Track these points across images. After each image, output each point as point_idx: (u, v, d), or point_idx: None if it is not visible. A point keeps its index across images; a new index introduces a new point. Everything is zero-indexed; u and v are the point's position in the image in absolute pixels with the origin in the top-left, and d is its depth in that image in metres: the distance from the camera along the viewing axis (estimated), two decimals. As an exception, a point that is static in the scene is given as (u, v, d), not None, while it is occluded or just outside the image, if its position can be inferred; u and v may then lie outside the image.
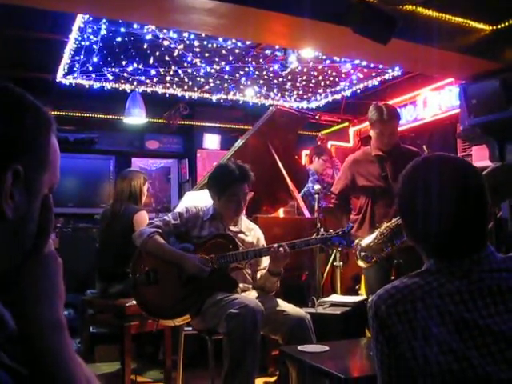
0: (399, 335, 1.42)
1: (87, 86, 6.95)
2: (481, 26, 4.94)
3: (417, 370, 1.39)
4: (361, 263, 3.95)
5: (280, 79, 7.31)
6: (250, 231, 3.68)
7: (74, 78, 6.73)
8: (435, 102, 7.38)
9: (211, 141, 9.44)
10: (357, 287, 5.56)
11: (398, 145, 4.22)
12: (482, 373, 1.34)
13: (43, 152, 0.95)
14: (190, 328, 3.67)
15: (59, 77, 6.71)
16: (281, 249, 3.32)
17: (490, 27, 4.97)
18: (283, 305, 3.38)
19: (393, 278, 4.16)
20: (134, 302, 3.63)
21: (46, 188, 0.96)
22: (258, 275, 3.60)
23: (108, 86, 7.04)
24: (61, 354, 0.90)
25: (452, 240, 1.50)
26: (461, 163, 1.58)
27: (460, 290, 1.43)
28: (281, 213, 6.34)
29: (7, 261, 0.91)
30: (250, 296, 3.43)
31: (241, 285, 3.48)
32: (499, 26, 4.96)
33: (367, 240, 3.89)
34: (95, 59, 6.20)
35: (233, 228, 3.61)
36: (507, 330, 1.37)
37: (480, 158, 6.25)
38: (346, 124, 9.23)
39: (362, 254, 3.89)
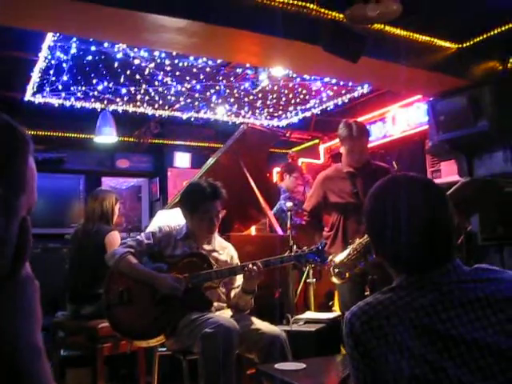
0: (374, 350, 1.44)
1: (57, 105, 6.89)
2: (447, 44, 5.06)
3: None
4: (335, 280, 3.96)
5: (251, 97, 7.36)
6: (223, 249, 3.67)
7: (43, 96, 6.68)
8: (404, 118, 7.50)
9: (182, 159, 9.43)
10: (330, 303, 5.57)
11: (369, 161, 4.25)
12: (458, 383, 1.36)
13: (20, 173, 0.94)
14: (165, 349, 3.64)
15: (28, 95, 6.65)
16: (254, 267, 3.31)
17: (456, 45, 5.10)
18: (258, 323, 3.36)
19: (367, 293, 4.18)
20: (107, 323, 3.59)
21: (24, 210, 0.95)
22: (232, 294, 3.58)
23: (78, 104, 7.00)
24: (39, 379, 0.89)
25: (419, 255, 1.54)
26: (426, 182, 1.65)
27: (432, 302, 1.46)
28: (252, 230, 6.34)
29: (-16, 284, 0.89)
30: (225, 315, 3.41)
31: (215, 304, 3.46)
32: (465, 45, 5.09)
33: (340, 256, 3.90)
34: (65, 78, 6.16)
35: (206, 246, 3.59)
36: (480, 338, 1.40)
37: (449, 173, 6.37)
38: (317, 141, 9.31)
39: (336, 270, 3.90)
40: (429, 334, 1.42)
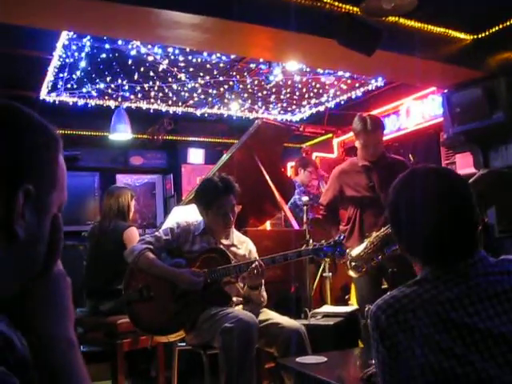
0: (401, 344, 1.44)
1: (71, 103, 6.94)
2: (462, 35, 5.02)
3: (420, 378, 1.40)
4: (352, 273, 3.96)
5: (264, 92, 7.35)
6: (241, 244, 3.68)
7: (57, 95, 6.72)
8: (418, 111, 7.46)
9: (195, 155, 9.45)
10: (346, 297, 5.57)
11: (384, 154, 4.24)
12: (486, 376, 1.36)
13: (52, 171, 0.95)
14: (184, 344, 3.65)
15: (43, 94, 6.69)
16: (257, 264, 3.31)
17: (471, 36, 5.05)
18: (277, 317, 3.38)
19: (384, 286, 4.18)
20: (126, 319, 3.61)
21: (56, 207, 0.96)
22: (242, 292, 3.60)
23: (92, 102, 7.04)
24: (75, 373, 0.90)
25: (445, 247, 1.54)
26: (448, 173, 1.66)
27: (459, 295, 1.45)
28: (267, 225, 6.34)
29: (19, 281, 0.90)
30: (244, 309, 3.42)
31: (234, 298, 3.48)
32: (480, 36, 5.04)
33: (357, 250, 3.90)
34: (79, 76, 6.19)
35: (224, 241, 3.61)
36: (507, 332, 1.40)
37: (464, 165, 6.32)
38: (330, 135, 9.28)
39: (353, 264, 3.90)
40: (456, 328, 1.41)
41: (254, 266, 3.32)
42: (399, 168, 4.20)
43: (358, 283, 4.23)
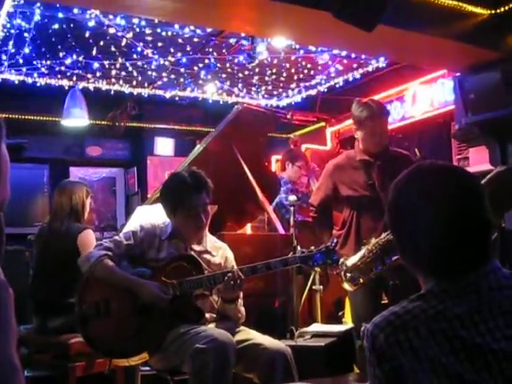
0: (402, 368, 1.44)
1: (17, 82, 6.88)
2: (478, 10, 5.06)
3: None
4: (346, 286, 3.97)
5: (246, 73, 7.36)
6: (217, 250, 3.67)
7: (0, 72, 6.66)
8: (426, 97, 7.50)
9: (164, 146, 9.43)
10: (340, 314, 5.61)
11: (387, 147, 4.27)
12: None
13: None
14: (148, 368, 3.65)
15: (-17, 71, 6.63)
16: (234, 274, 3.32)
17: (489, 11, 5.09)
18: (258, 336, 3.37)
19: (384, 302, 4.19)
20: (79, 338, 3.60)
21: (-5, 205, 0.95)
22: (216, 306, 3.59)
23: (42, 81, 7.00)
24: None
25: (453, 255, 1.55)
26: (458, 171, 1.67)
27: (469, 311, 1.46)
28: (248, 229, 6.35)
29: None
30: (219, 327, 3.42)
31: (207, 315, 3.46)
32: (499, 11, 5.08)
33: (353, 259, 3.91)
34: (27, 50, 6.14)
35: (196, 247, 3.59)
36: None
37: (478, 161, 6.37)
38: (323, 124, 9.31)
39: (348, 275, 3.91)
40: (465, 349, 1.42)
41: (230, 275, 3.32)
42: (403, 163, 4.21)
43: (353, 297, 4.25)
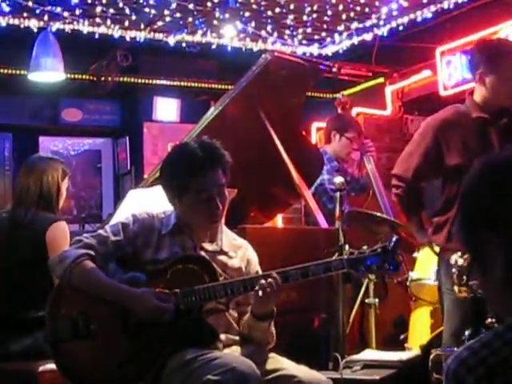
0: None
1: (-31, 23, 6.93)
2: None
3: None
4: (460, 293, 3.84)
5: (277, 10, 7.33)
6: (236, 250, 3.67)
7: None
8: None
9: (166, 109, 9.49)
10: (401, 337, 5.60)
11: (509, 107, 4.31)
12: None
13: None
14: (143, 405, 3.67)
15: None
16: (269, 280, 3.31)
17: None
18: (291, 367, 3.37)
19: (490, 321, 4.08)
20: (52, 365, 3.62)
21: None
22: (241, 325, 3.59)
23: (2, 21, 7.03)
24: None
25: None
26: None
27: None
28: (278, 221, 6.36)
29: None
30: (238, 353, 3.43)
31: (222, 336, 3.47)
32: None
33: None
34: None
35: (208, 246, 3.60)
36: None
37: None
38: (381, 80, 9.29)
39: (464, 277, 3.80)
40: None
41: (262, 282, 3.30)
42: None
43: (451, 310, 4.16)
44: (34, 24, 7.19)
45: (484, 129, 4.19)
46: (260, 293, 3.30)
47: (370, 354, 4.57)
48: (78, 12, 7.06)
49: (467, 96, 4.33)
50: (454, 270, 3.77)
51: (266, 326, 3.48)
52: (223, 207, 3.53)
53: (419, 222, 4.34)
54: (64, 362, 3.42)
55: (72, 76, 8.39)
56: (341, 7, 7.37)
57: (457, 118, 4.30)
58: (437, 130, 4.27)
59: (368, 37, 8.18)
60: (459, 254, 3.79)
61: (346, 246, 4.04)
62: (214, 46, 8.22)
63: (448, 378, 1.48)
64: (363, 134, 7.14)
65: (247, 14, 7.45)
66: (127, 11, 7.14)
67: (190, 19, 7.51)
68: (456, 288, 3.82)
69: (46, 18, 7.13)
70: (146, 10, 7.13)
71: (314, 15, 7.56)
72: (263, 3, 7.15)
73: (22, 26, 7.17)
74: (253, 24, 7.71)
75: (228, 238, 3.71)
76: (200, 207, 3.48)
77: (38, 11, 6.96)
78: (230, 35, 7.94)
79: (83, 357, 3.38)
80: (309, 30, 8.02)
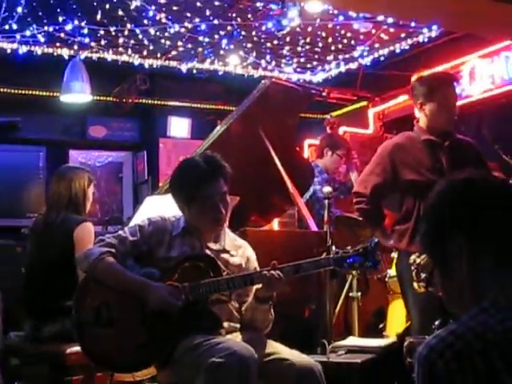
0: None
1: (9, 51, 6.92)
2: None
3: None
4: (419, 288, 3.88)
5: (275, 42, 7.34)
6: (236, 249, 3.67)
7: (-10, 39, 6.72)
8: (486, 73, 7.43)
9: (179, 126, 9.46)
10: (380, 326, 5.60)
11: (455, 127, 4.36)
12: None
13: None
14: (156, 384, 3.67)
15: (-30, 38, 6.69)
16: (277, 272, 3.32)
17: None
18: (285, 351, 3.37)
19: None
20: (78, 348, 3.62)
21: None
22: (244, 307, 3.60)
23: (38, 50, 7.04)
24: None
25: None
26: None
27: None
28: (275, 225, 6.36)
29: None
30: (239, 339, 3.43)
31: (225, 324, 3.46)
32: None
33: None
34: (21, 13, 6.16)
35: (213, 246, 3.59)
36: None
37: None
38: (364, 103, 9.28)
39: (423, 275, 3.83)
40: None
41: (271, 273, 3.31)
42: (470, 151, 4.24)
43: (419, 303, 4.14)
44: (65, 52, 7.20)
45: (432, 149, 4.21)
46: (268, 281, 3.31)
47: (353, 341, 4.56)
48: (103, 42, 7.07)
49: (415, 123, 4.38)
50: (412, 268, 3.80)
51: (267, 307, 3.48)
52: (226, 212, 3.53)
53: (382, 231, 4.35)
54: (87, 345, 3.42)
55: (98, 97, 8.40)
56: (330, 40, 7.38)
57: (408, 141, 4.33)
58: (391, 152, 4.31)
59: (353, 65, 8.20)
60: (417, 254, 3.83)
61: (333, 247, 4.03)
62: (220, 73, 8.22)
63: (420, 363, 1.49)
64: (352, 151, 7.17)
65: (249, 45, 7.46)
66: (146, 42, 7.16)
67: (200, 49, 7.53)
68: (415, 284, 3.85)
69: (75, 47, 7.15)
70: (162, 41, 7.15)
71: (307, 47, 7.58)
72: (263, 36, 7.16)
73: (55, 54, 7.18)
74: (254, 54, 7.73)
75: (230, 238, 3.71)
76: (206, 213, 3.49)
77: (69, 42, 6.97)
78: (234, 63, 7.98)
79: (104, 341, 3.37)
80: (302, 60, 8.03)
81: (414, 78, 4.33)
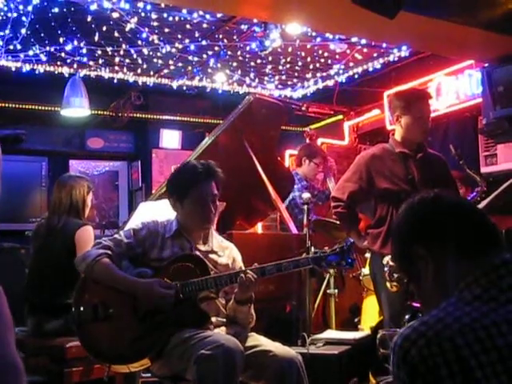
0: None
1: (13, 69, 6.90)
2: (508, -4, 5.04)
3: None
4: (392, 287, 3.91)
5: (258, 61, 7.36)
6: (223, 250, 3.68)
7: (-4, 58, 6.69)
8: (451, 89, 7.46)
9: (170, 138, 9.46)
10: (356, 320, 5.61)
11: (426, 141, 4.41)
12: None
13: None
14: (149, 374, 3.66)
15: (-22, 57, 6.66)
16: (248, 275, 3.34)
17: (520, -2, 5.07)
18: (268, 343, 3.38)
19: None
20: (77, 342, 3.61)
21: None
22: (227, 308, 3.60)
23: (40, 68, 7.02)
24: None
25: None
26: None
27: (508, 317, 1.44)
28: (258, 228, 6.36)
29: None
30: (226, 332, 3.43)
31: (213, 319, 3.47)
32: (530, -3, 5.05)
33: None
34: (25, 35, 6.15)
35: (202, 247, 3.60)
36: None
37: (507, 158, 6.36)
38: (340, 117, 9.30)
39: (395, 275, 3.85)
40: (503, 362, 1.39)
41: (241, 276, 3.33)
42: (440, 165, 4.28)
43: (389, 299, 4.17)
44: (65, 70, 7.18)
45: (405, 160, 4.25)
46: (241, 284, 3.33)
47: (330, 334, 4.57)
48: (100, 61, 7.06)
49: (390, 136, 4.43)
50: (385, 268, 3.83)
51: (246, 309, 3.49)
52: (215, 213, 3.57)
53: (357, 233, 4.39)
54: (86, 339, 3.42)
55: (96, 112, 8.40)
56: (309, 59, 7.40)
57: (384, 152, 4.36)
58: (368, 162, 4.33)
59: (330, 82, 8.22)
60: (390, 256, 3.85)
61: (312, 248, 4.05)
62: (208, 89, 8.23)
63: (395, 352, 1.49)
64: (329, 160, 7.20)
65: (235, 64, 7.47)
66: (140, 61, 7.15)
67: (190, 68, 7.53)
68: (388, 284, 3.87)
69: (75, 65, 7.13)
70: (155, 60, 7.14)
71: (288, 65, 7.60)
72: (247, 56, 7.17)
73: (56, 72, 7.16)
74: (239, 72, 7.74)
75: (217, 240, 3.72)
76: (197, 211, 3.50)
77: (68, 61, 6.96)
78: (221, 80, 7.99)
79: (101, 335, 3.37)
80: (283, 77, 8.05)
81: (391, 93, 4.37)
